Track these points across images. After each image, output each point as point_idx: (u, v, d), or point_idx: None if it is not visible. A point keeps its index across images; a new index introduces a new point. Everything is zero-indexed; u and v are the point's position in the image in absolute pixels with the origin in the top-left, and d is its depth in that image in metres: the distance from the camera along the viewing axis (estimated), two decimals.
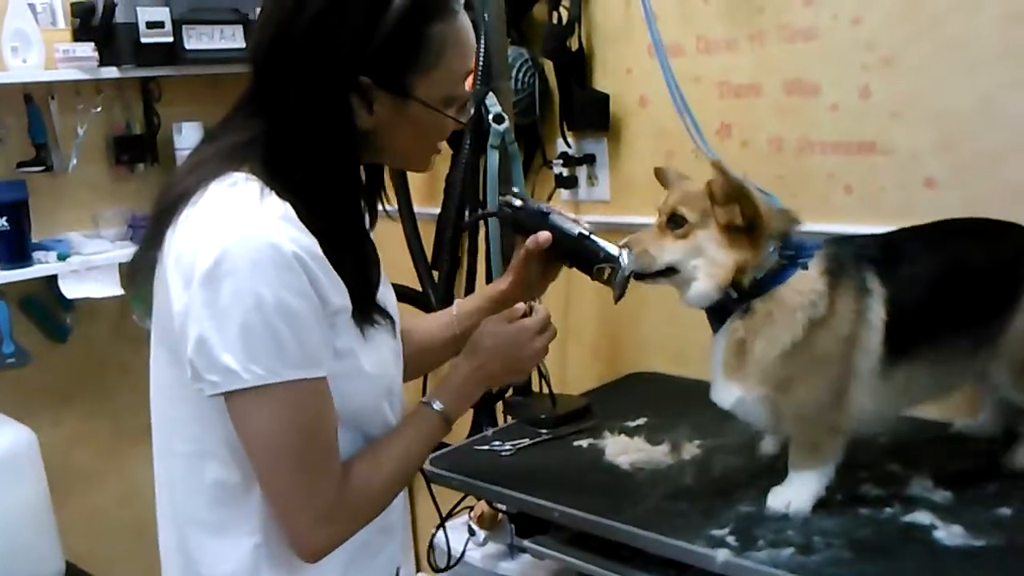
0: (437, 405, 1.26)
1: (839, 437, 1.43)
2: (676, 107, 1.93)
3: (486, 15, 2.07)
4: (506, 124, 2.09)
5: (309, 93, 1.10)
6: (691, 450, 1.70)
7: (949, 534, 1.34)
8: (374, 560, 1.26)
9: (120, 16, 2.44)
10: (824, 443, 1.43)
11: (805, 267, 1.41)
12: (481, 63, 2.07)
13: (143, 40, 2.45)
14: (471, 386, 1.31)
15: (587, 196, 2.32)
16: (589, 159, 2.28)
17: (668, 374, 2.18)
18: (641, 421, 1.85)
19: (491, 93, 2.08)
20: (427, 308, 2.39)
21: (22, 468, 2.19)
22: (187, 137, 2.64)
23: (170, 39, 2.48)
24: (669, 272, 1.44)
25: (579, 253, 1.41)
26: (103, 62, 2.47)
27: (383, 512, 1.21)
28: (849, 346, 1.40)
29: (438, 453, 1.74)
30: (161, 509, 1.23)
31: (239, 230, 1.04)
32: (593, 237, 1.41)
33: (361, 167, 1.21)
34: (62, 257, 2.48)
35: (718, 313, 1.45)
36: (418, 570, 2.33)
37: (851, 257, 1.44)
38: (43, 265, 2.46)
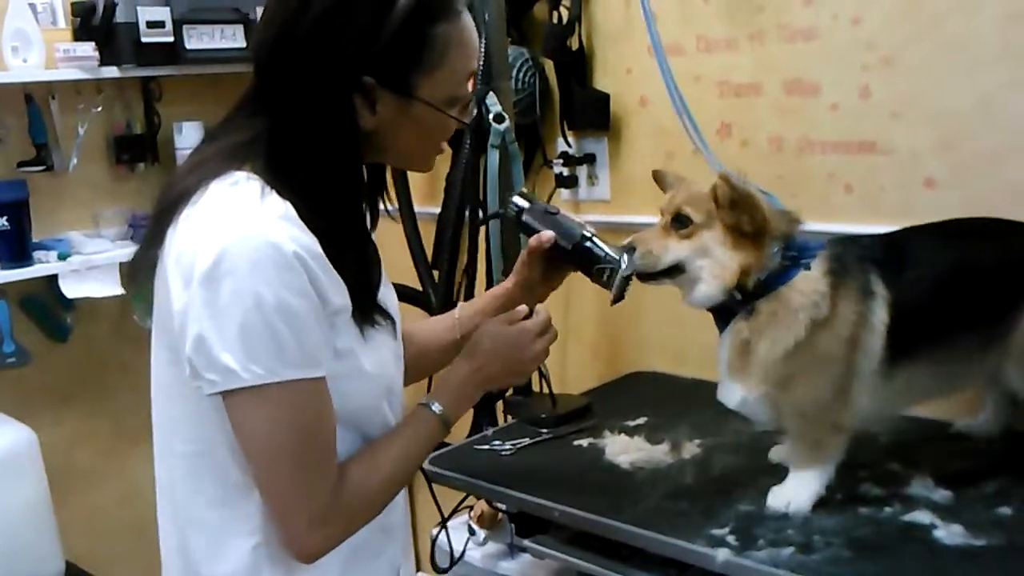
0: (436, 407, 1.25)
1: (840, 436, 1.43)
2: (676, 107, 1.93)
3: (486, 14, 2.07)
4: (506, 123, 2.09)
5: (312, 92, 1.10)
6: (691, 449, 1.70)
7: (949, 533, 1.34)
8: (375, 561, 1.26)
9: (120, 16, 2.44)
10: (825, 442, 1.43)
11: (808, 268, 1.41)
12: (481, 63, 2.07)
13: (144, 40, 2.45)
14: (470, 388, 1.30)
15: (587, 196, 2.32)
16: (589, 159, 2.28)
17: (668, 373, 2.18)
18: (641, 420, 1.85)
19: (491, 92, 2.09)
20: (428, 308, 2.40)
21: (22, 468, 2.19)
22: (187, 137, 2.64)
23: (171, 39, 2.48)
24: (674, 272, 1.44)
25: (580, 254, 1.42)
26: (103, 62, 2.47)
27: (384, 512, 1.21)
28: (851, 346, 1.40)
29: (438, 452, 1.74)
30: (161, 509, 1.23)
31: (239, 229, 1.04)
32: (595, 239, 1.42)
33: (363, 167, 1.21)
34: (62, 257, 2.48)
35: (722, 314, 1.45)
36: (418, 570, 2.34)
37: (855, 258, 1.44)
38: (43, 265, 2.46)
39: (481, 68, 2.07)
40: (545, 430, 1.86)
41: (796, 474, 1.46)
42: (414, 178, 2.47)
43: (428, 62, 1.13)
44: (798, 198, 1.72)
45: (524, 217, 1.46)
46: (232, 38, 2.58)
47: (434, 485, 1.59)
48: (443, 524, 1.60)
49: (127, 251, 2.54)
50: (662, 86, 1.95)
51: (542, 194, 2.35)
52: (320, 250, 1.08)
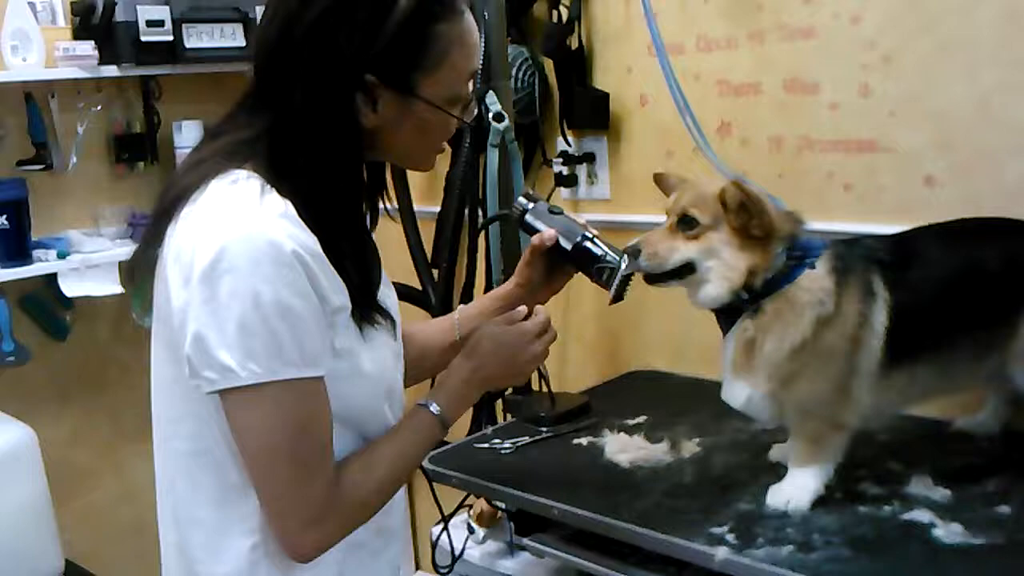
0: (434, 407, 1.25)
1: (841, 435, 1.43)
2: (676, 106, 1.93)
3: (486, 13, 2.07)
4: (506, 122, 2.09)
5: (314, 91, 1.10)
6: (690, 448, 1.70)
7: (948, 532, 1.34)
8: (375, 562, 1.25)
9: (120, 15, 2.44)
10: (826, 439, 1.43)
11: (813, 267, 1.41)
12: (481, 62, 2.07)
13: (143, 38, 2.45)
14: (469, 388, 1.30)
15: (587, 195, 2.32)
16: (589, 158, 2.28)
17: (668, 372, 2.18)
18: (641, 419, 1.85)
19: (491, 91, 2.09)
20: (428, 307, 2.40)
21: (22, 466, 2.18)
22: (187, 136, 2.64)
23: (170, 37, 2.48)
24: (683, 273, 1.44)
25: (580, 254, 1.42)
26: (103, 61, 2.47)
27: (382, 514, 1.20)
28: (853, 344, 1.41)
29: (438, 451, 1.74)
30: (161, 507, 1.23)
31: (239, 227, 1.04)
32: (597, 240, 1.42)
33: (364, 166, 1.21)
34: (62, 255, 2.48)
35: (728, 314, 1.45)
36: (418, 568, 2.34)
37: (859, 258, 1.44)
38: (43, 263, 2.46)
39: (481, 67, 2.07)
40: (544, 429, 1.86)
41: (796, 472, 1.46)
42: (414, 177, 2.47)
43: (430, 61, 1.13)
44: (798, 197, 1.72)
45: (527, 217, 1.46)
46: (232, 37, 2.59)
47: (434, 484, 1.59)
48: (444, 524, 1.60)
49: (126, 250, 2.54)
50: (662, 85, 1.95)
51: (542, 193, 2.34)
52: (320, 249, 1.08)
